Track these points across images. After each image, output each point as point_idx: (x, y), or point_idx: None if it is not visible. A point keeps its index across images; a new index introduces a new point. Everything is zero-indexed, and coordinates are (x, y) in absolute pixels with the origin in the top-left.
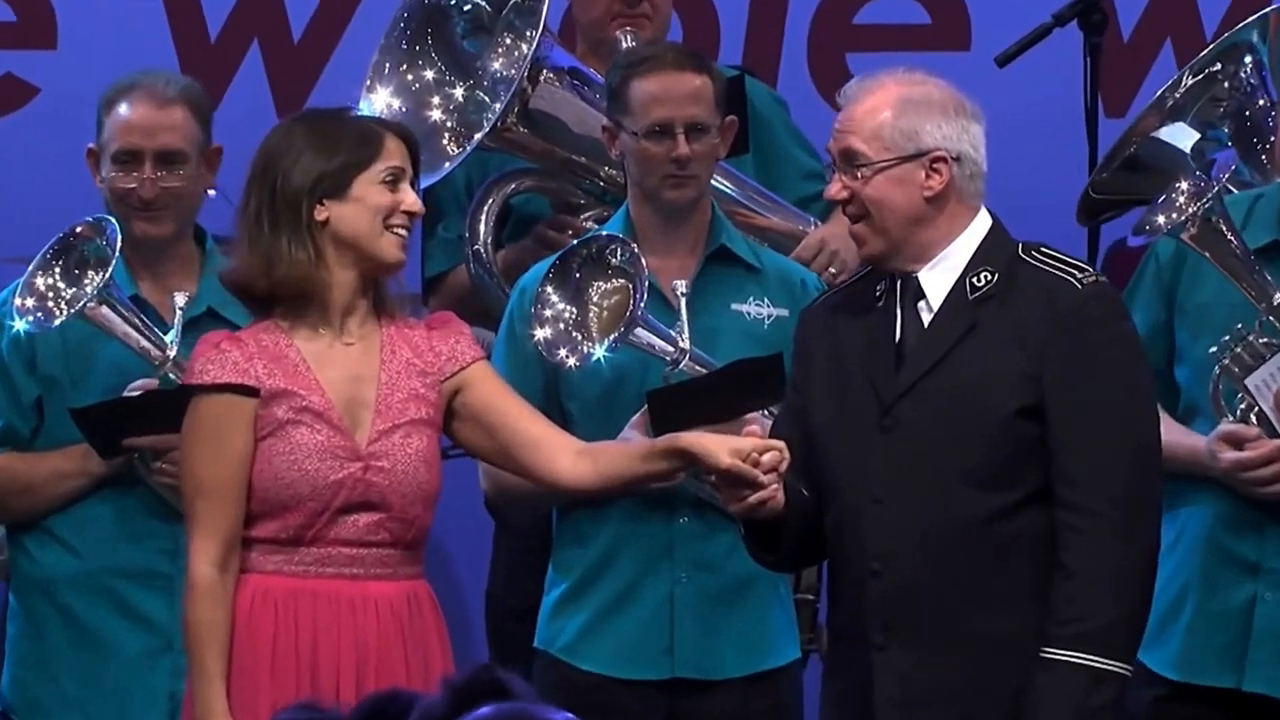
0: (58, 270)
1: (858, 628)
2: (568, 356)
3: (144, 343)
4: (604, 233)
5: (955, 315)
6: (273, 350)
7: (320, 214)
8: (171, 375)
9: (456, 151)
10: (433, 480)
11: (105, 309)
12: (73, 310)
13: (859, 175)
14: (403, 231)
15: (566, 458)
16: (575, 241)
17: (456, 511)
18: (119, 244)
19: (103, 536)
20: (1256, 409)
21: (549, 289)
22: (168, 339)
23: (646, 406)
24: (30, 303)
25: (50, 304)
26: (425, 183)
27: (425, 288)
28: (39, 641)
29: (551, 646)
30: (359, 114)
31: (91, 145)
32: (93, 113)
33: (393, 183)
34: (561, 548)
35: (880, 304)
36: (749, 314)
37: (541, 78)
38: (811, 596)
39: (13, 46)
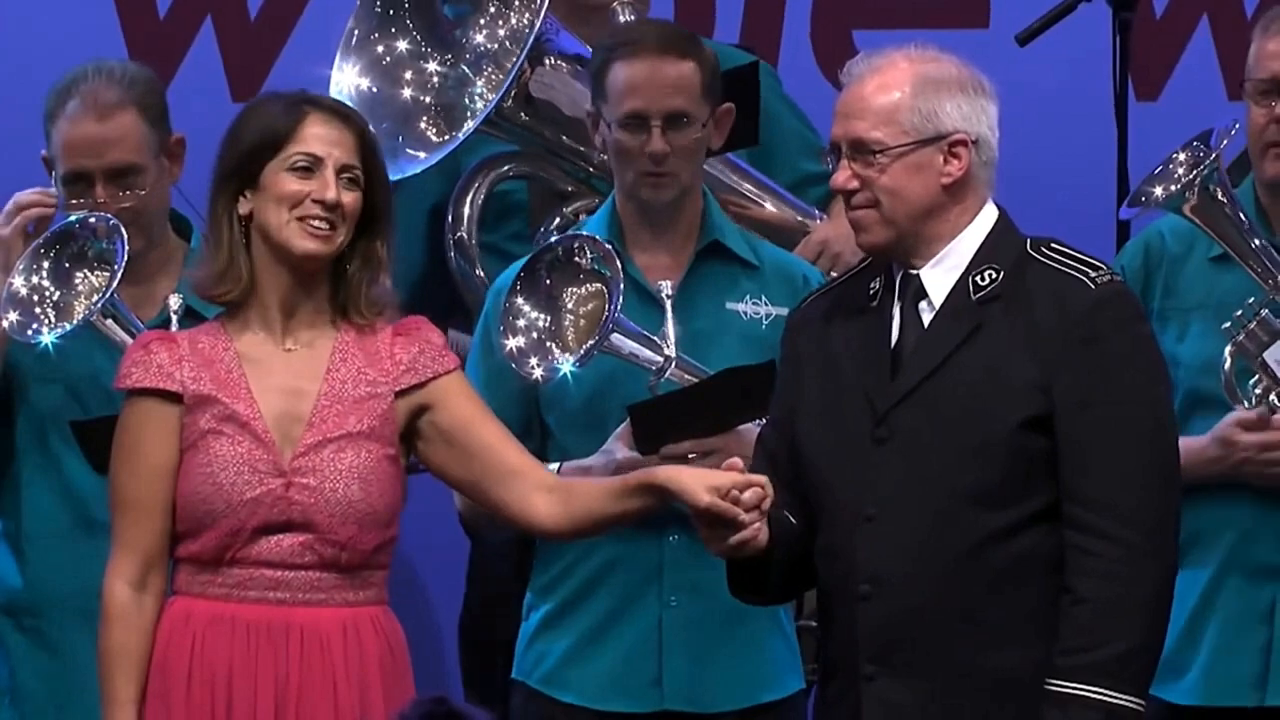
0: (46, 266)
1: (847, 658)
2: (535, 368)
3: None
4: (573, 233)
5: (957, 317)
6: (207, 353)
7: (243, 207)
8: None
9: (439, 139)
10: (372, 499)
11: (110, 320)
12: (77, 321)
13: (874, 163)
14: (316, 222)
15: (542, 497)
16: (541, 245)
17: (434, 533)
18: (125, 256)
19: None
20: (1277, 388)
21: (517, 299)
22: None
23: (629, 422)
24: (14, 315)
25: (40, 309)
26: (413, 169)
27: None
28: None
29: (530, 677)
30: (298, 96)
31: (45, 153)
32: (33, 92)
33: (305, 170)
34: (542, 568)
35: (875, 303)
36: (746, 313)
37: (545, 60)
38: (815, 623)
39: None
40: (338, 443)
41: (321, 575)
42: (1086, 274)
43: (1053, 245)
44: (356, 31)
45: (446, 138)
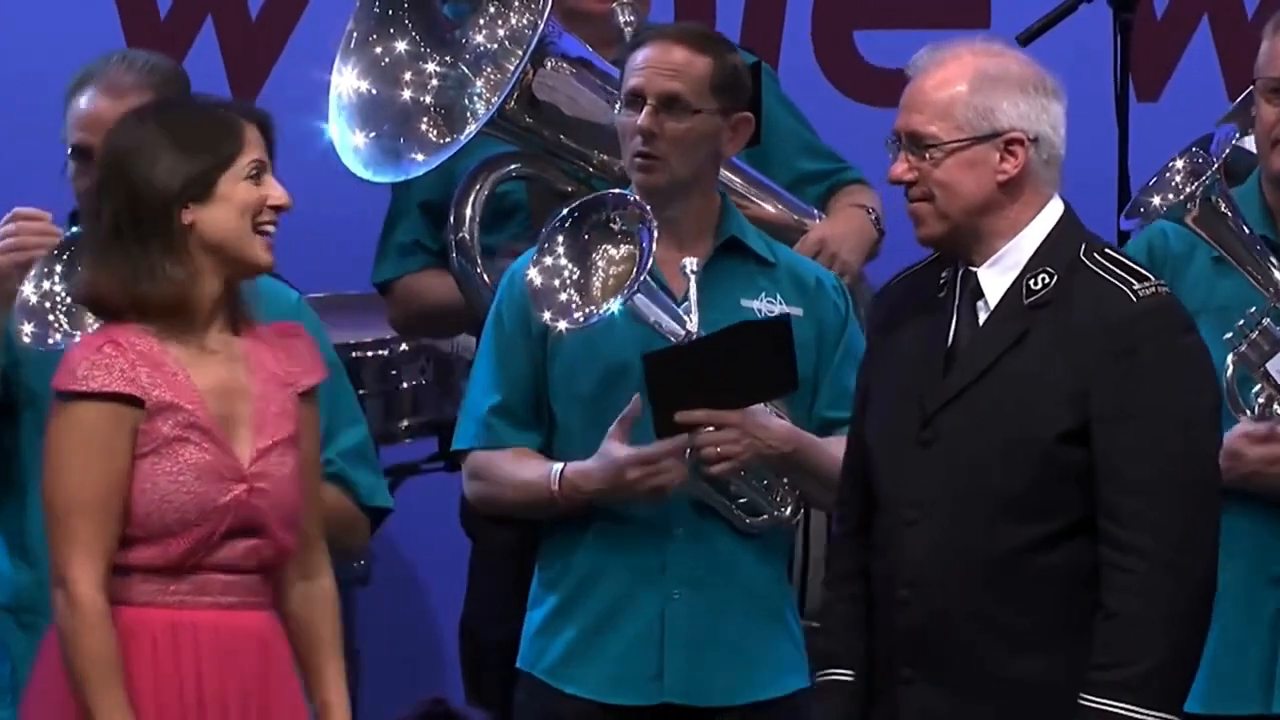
0: (58, 270)
1: (887, 658)
2: (555, 316)
3: None
4: (618, 193)
5: (1008, 320)
6: (151, 357)
7: (186, 218)
8: None
9: (440, 140)
10: (299, 503)
11: None
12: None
13: (928, 157)
14: (270, 229)
15: (297, 590)
16: (591, 198)
17: (435, 532)
18: None
19: None
20: (1279, 398)
21: (559, 238)
22: None
23: (643, 375)
24: (29, 327)
25: (53, 316)
26: (416, 171)
27: (380, 293)
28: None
29: (535, 668)
30: (211, 102)
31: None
32: (36, 93)
33: (256, 176)
34: (548, 561)
35: (941, 296)
36: (760, 310)
37: (547, 61)
38: (817, 625)
39: None
40: (280, 447)
41: (259, 578)
42: (1130, 284)
43: (1105, 252)
44: (355, 33)
45: (448, 139)
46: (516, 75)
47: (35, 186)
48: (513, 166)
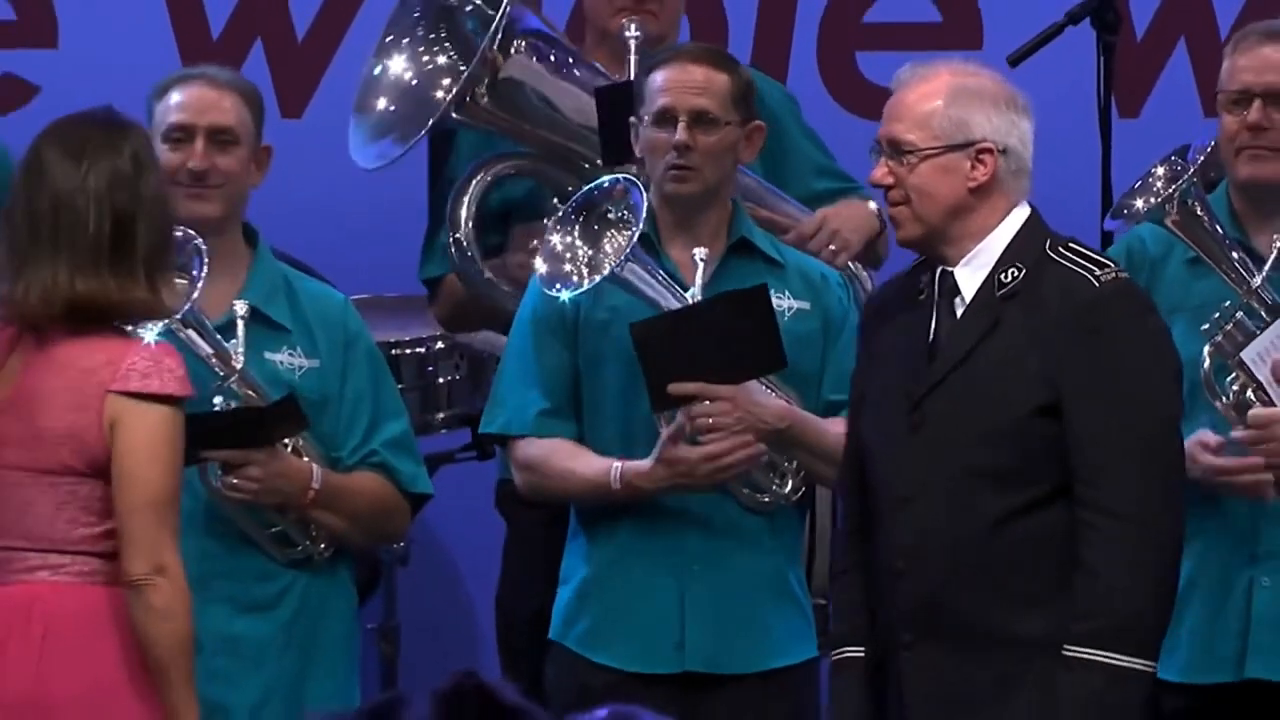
0: None
1: (889, 628)
2: (560, 288)
3: (212, 354)
4: (602, 183)
5: (981, 312)
6: None
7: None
8: (234, 388)
9: (415, 128)
10: None
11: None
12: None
13: (905, 162)
14: None
15: None
16: (581, 196)
17: (470, 516)
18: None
19: None
20: (1253, 385)
21: (561, 230)
22: (235, 351)
23: (633, 345)
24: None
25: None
26: (393, 154)
27: (428, 289)
28: None
29: (566, 639)
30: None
31: None
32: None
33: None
34: (578, 541)
35: (922, 298)
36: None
37: (513, 47)
38: (823, 601)
39: (13, 45)
40: None
41: None
42: (1093, 271)
43: (1070, 245)
44: (388, 36)
45: (421, 128)
46: (479, 55)
47: None
48: (498, 168)
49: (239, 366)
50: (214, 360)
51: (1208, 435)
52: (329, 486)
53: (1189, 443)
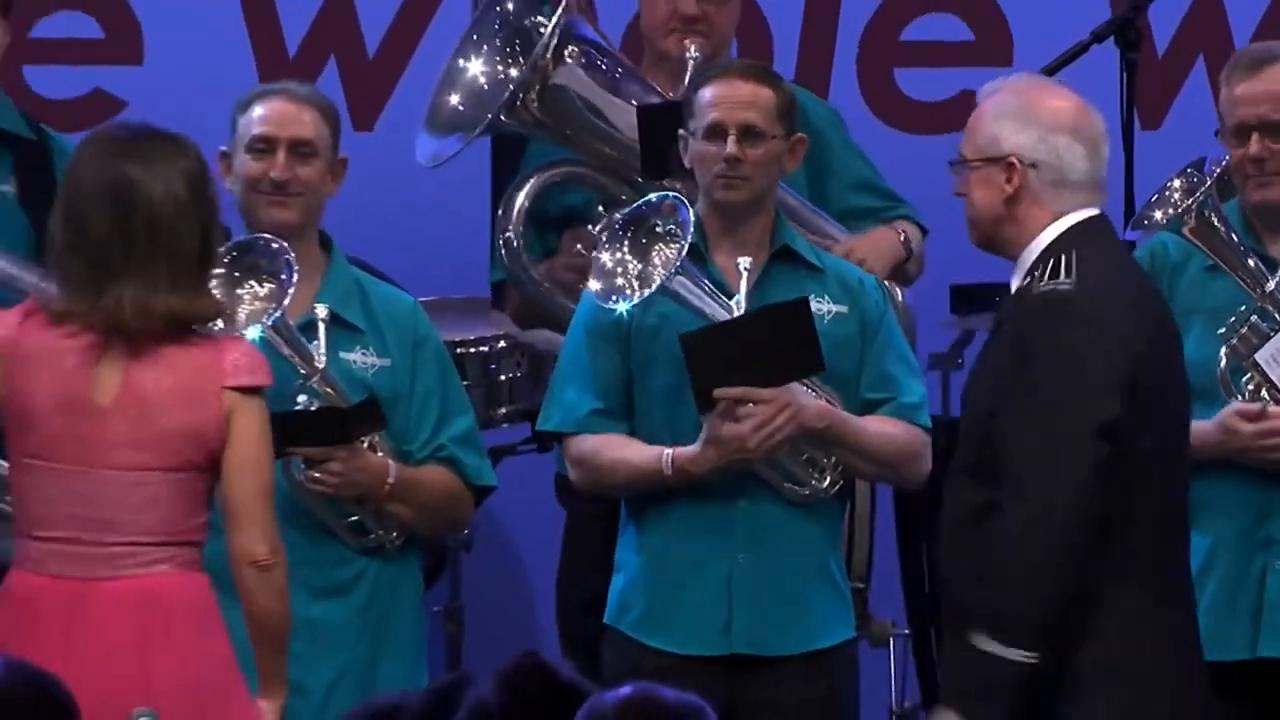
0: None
1: None
2: (615, 300)
3: (294, 355)
4: (652, 199)
5: (1000, 318)
6: None
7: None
8: (315, 386)
9: (471, 130)
10: None
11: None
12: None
13: (959, 173)
14: None
15: None
16: (631, 211)
17: (531, 504)
18: (294, 279)
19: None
20: (1267, 384)
21: (612, 246)
22: (317, 352)
23: (683, 355)
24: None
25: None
26: (447, 152)
27: (497, 289)
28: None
29: (620, 623)
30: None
31: (224, 148)
32: (180, 125)
33: None
34: (629, 532)
35: None
36: (814, 312)
37: (566, 54)
38: (861, 585)
39: (101, 62)
40: None
41: None
42: (1038, 284)
43: (1070, 256)
44: (474, 35)
45: (470, 135)
46: (533, 62)
47: None
48: (556, 171)
49: (321, 366)
50: (297, 360)
51: (1244, 405)
52: (402, 480)
53: (1224, 415)
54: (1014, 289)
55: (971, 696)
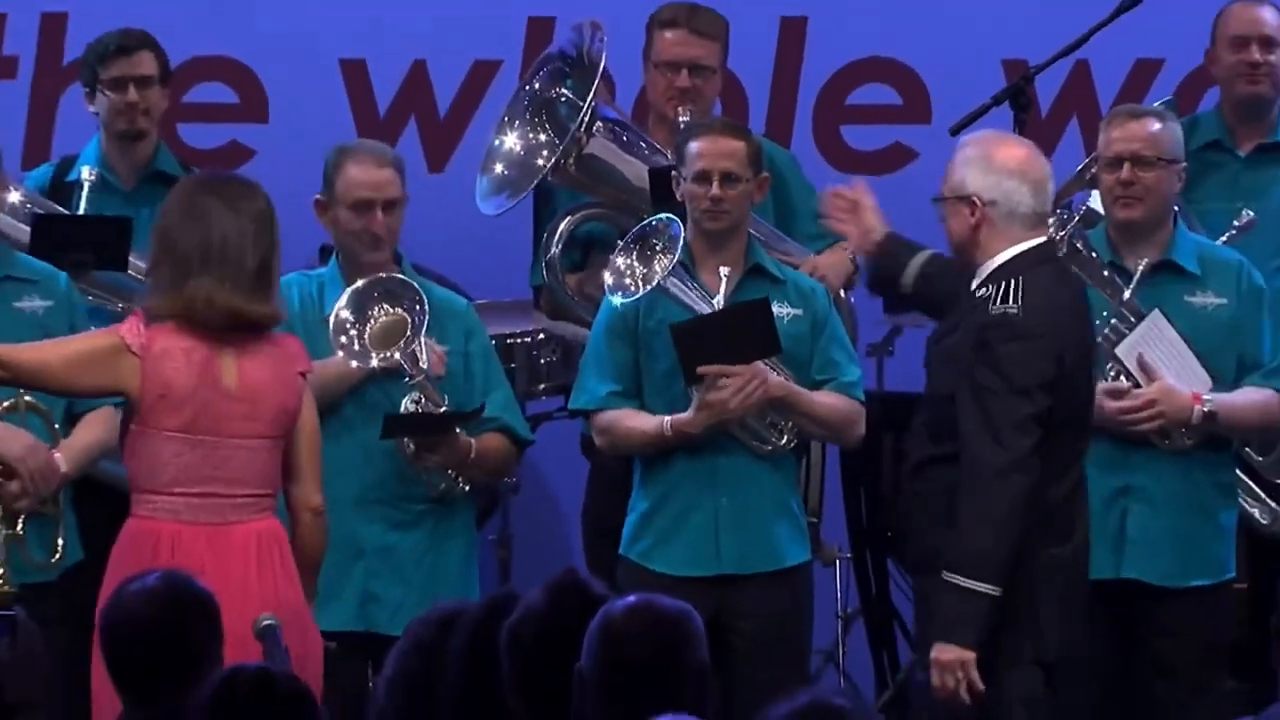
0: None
1: None
2: (620, 295)
3: (405, 363)
4: (649, 222)
5: (961, 314)
6: None
7: None
8: (420, 384)
9: (519, 189)
10: None
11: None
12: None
13: (942, 205)
14: None
15: None
16: (635, 231)
17: (563, 458)
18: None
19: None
20: (1124, 371)
21: (623, 256)
22: (420, 355)
23: (672, 341)
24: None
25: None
26: (503, 207)
27: (537, 291)
28: None
29: (631, 553)
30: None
31: (319, 196)
32: (297, 169)
33: None
34: (640, 481)
35: None
36: (776, 313)
37: (595, 130)
38: (815, 520)
39: (236, 120)
40: None
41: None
42: (995, 305)
43: (1016, 282)
44: (508, 114)
45: (522, 189)
46: (571, 135)
47: (302, 236)
48: (579, 215)
49: (425, 367)
50: (407, 365)
51: (1110, 385)
52: (479, 452)
53: (1096, 392)
54: (973, 288)
55: (953, 625)
